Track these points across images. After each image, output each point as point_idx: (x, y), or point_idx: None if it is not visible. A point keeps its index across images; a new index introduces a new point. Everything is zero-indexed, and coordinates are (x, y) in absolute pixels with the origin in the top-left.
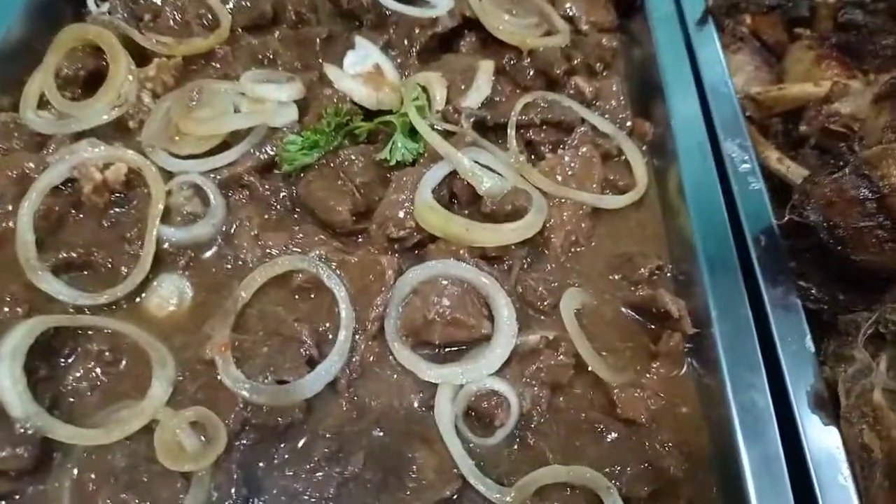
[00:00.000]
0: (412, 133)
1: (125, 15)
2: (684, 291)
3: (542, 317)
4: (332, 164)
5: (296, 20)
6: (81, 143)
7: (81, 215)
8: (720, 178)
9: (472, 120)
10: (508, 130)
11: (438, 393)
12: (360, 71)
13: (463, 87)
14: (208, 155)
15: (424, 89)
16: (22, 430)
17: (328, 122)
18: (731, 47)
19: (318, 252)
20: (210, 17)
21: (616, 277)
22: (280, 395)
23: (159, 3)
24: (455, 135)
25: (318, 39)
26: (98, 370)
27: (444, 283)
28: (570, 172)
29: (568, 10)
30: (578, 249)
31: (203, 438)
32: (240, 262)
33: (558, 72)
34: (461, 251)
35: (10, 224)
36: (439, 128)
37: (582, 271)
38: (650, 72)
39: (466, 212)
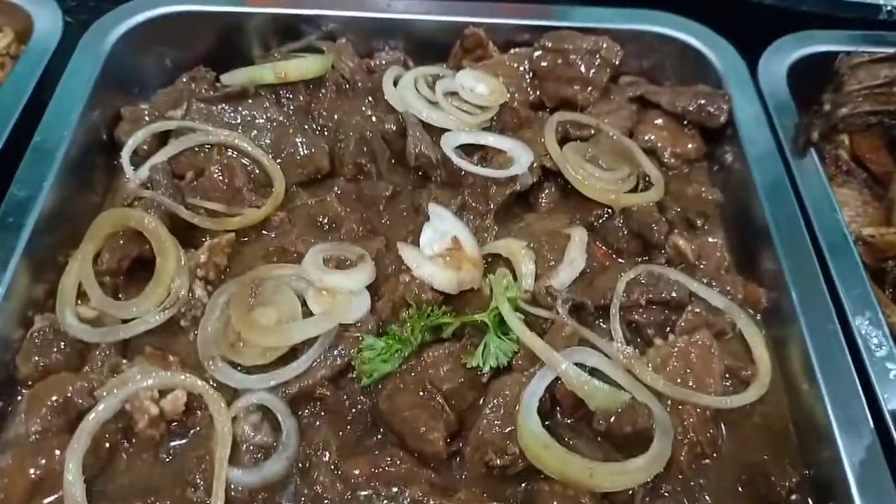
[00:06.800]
0: (501, 325)
1: (167, 183)
2: None
3: None
4: (414, 370)
5: (354, 171)
6: (133, 371)
7: (133, 448)
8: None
9: (568, 305)
10: (611, 320)
11: None
12: (439, 250)
13: (550, 257)
14: (275, 365)
15: (506, 260)
16: None
17: (412, 326)
18: (835, 180)
19: (411, 494)
20: (258, 170)
21: (749, 493)
22: None
23: (202, 156)
24: (549, 321)
25: (382, 197)
26: None
27: None
28: (686, 367)
29: (648, 141)
30: (705, 462)
31: None
32: None
33: (659, 236)
34: (582, 499)
35: (56, 467)
36: (528, 309)
37: (710, 488)
38: (753, 218)
39: (569, 421)
